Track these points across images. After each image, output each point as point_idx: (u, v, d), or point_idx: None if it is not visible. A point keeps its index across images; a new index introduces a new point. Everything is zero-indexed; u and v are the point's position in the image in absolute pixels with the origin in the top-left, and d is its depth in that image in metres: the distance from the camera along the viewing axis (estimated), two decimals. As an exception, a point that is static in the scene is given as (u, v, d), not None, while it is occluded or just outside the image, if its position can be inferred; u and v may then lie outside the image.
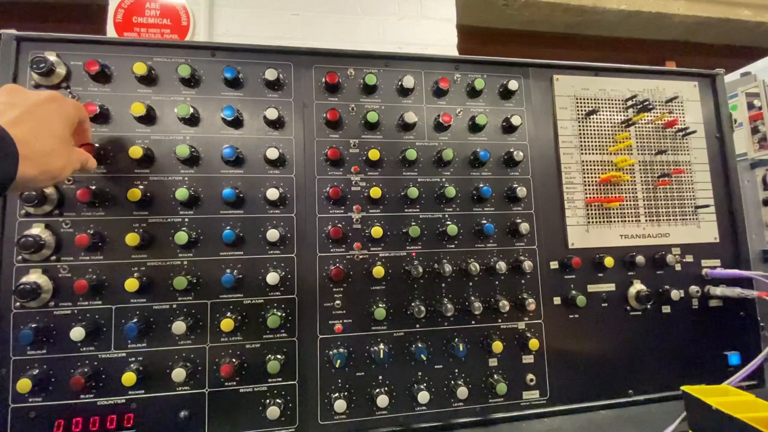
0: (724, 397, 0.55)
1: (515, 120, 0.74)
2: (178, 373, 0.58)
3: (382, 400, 0.63)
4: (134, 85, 0.65)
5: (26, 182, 0.44)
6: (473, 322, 0.70)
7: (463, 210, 0.72)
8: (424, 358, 0.65)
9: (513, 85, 0.75)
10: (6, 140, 0.41)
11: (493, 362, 0.70)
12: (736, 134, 0.86)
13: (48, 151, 0.47)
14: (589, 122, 0.80)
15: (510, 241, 0.73)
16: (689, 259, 0.79)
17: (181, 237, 0.61)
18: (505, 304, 0.68)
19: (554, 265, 0.74)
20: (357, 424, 0.64)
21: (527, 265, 0.70)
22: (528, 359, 0.71)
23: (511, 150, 0.74)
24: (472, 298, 0.70)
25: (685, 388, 0.58)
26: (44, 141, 0.46)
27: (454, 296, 0.70)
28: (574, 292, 0.74)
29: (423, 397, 0.64)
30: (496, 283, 0.72)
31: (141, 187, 0.62)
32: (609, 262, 0.74)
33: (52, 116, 0.48)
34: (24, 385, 0.55)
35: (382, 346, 0.65)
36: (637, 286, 0.76)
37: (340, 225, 0.68)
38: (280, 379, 0.64)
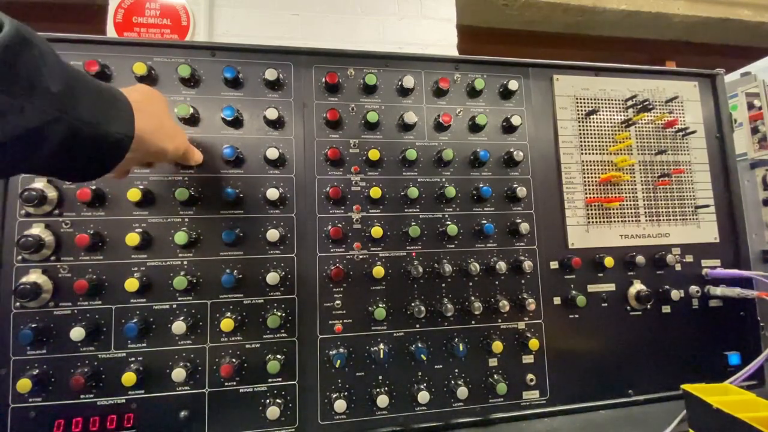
0: (725, 396, 0.55)
1: (515, 120, 0.74)
2: (178, 373, 0.58)
3: (382, 400, 0.63)
4: (134, 85, 0.65)
5: (144, 141, 0.46)
6: (473, 322, 0.70)
7: (463, 210, 0.72)
8: (424, 358, 0.65)
9: (513, 85, 0.75)
10: (122, 98, 0.44)
11: (493, 362, 0.70)
12: (736, 134, 0.86)
13: (160, 114, 0.51)
14: (589, 122, 0.80)
15: (510, 241, 0.73)
16: (689, 259, 0.79)
17: (181, 237, 0.61)
18: (505, 304, 0.68)
19: (554, 265, 0.74)
20: (357, 424, 0.64)
21: (527, 265, 0.70)
22: (528, 359, 0.71)
23: (511, 150, 0.74)
24: (472, 298, 0.70)
25: (685, 386, 0.58)
26: (156, 106, 0.50)
27: (454, 296, 0.70)
28: (574, 292, 0.73)
29: (423, 397, 0.64)
30: (496, 283, 0.72)
31: (141, 187, 0.62)
32: (609, 262, 0.74)
33: (161, 99, 0.53)
34: (24, 385, 0.55)
35: (382, 346, 0.65)
36: (637, 286, 0.76)
37: (340, 225, 0.68)
38: (280, 379, 0.64)
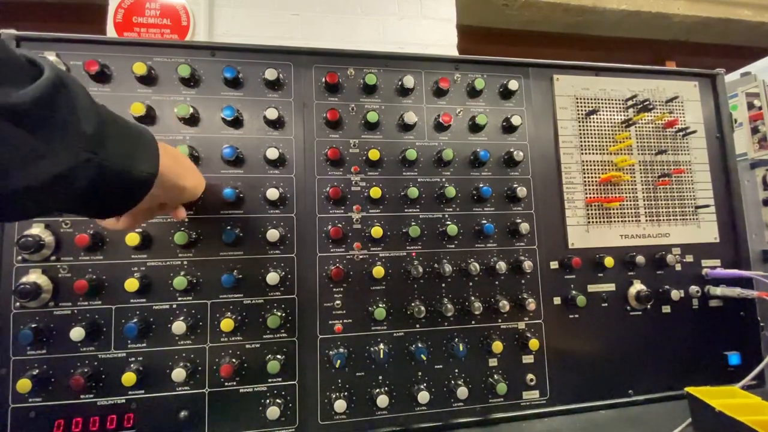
0: (730, 399, 0.54)
1: (515, 120, 0.74)
2: (178, 373, 0.58)
3: (382, 400, 0.63)
4: (134, 85, 0.65)
5: (165, 178, 0.46)
6: (473, 322, 0.70)
7: (463, 210, 0.72)
8: (424, 358, 0.65)
9: (513, 85, 0.75)
10: (147, 134, 0.45)
11: (493, 362, 0.70)
12: (736, 134, 0.86)
13: (182, 158, 0.53)
14: (589, 122, 0.80)
15: (510, 241, 0.73)
16: (689, 259, 0.79)
17: (181, 237, 0.61)
18: (505, 304, 0.68)
19: (554, 265, 0.74)
20: (357, 424, 0.64)
21: (527, 265, 0.70)
22: (528, 359, 0.71)
23: (511, 150, 0.74)
24: (472, 298, 0.70)
25: (689, 389, 0.57)
26: (177, 152, 0.53)
27: (454, 296, 0.70)
28: (574, 292, 0.73)
29: (423, 397, 0.64)
30: (496, 283, 0.72)
31: (141, 187, 0.62)
32: (609, 262, 0.74)
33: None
34: (24, 385, 0.55)
35: (382, 346, 0.65)
36: (637, 286, 0.76)
37: (340, 225, 0.68)
38: (280, 379, 0.63)
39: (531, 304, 0.70)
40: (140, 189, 0.43)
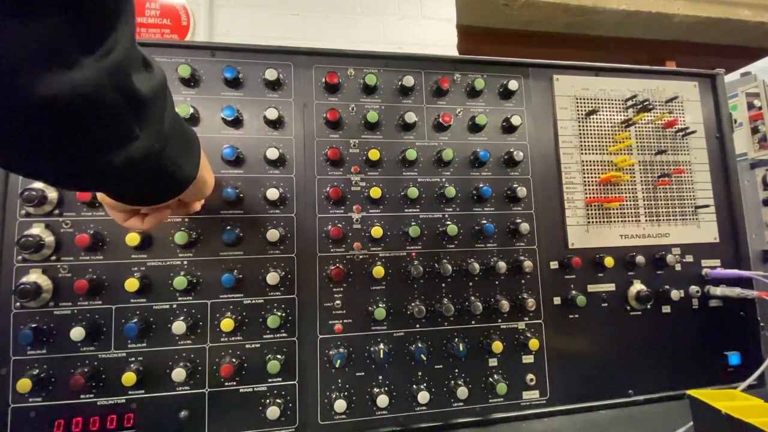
0: (732, 401, 0.54)
1: (515, 120, 0.74)
2: (178, 373, 0.58)
3: (382, 400, 0.63)
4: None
5: (199, 180, 0.49)
6: (473, 322, 0.70)
7: (463, 210, 0.72)
8: (424, 358, 0.65)
9: (513, 85, 0.75)
10: (196, 140, 0.48)
11: (493, 362, 0.70)
12: (736, 134, 0.86)
13: (205, 158, 0.53)
14: (589, 122, 0.80)
15: (510, 241, 0.73)
16: (689, 259, 0.79)
17: (181, 237, 0.61)
18: (505, 304, 0.68)
19: (554, 265, 0.74)
20: (357, 424, 0.64)
21: (527, 265, 0.70)
22: (528, 359, 0.71)
23: (511, 150, 0.74)
24: (472, 298, 0.70)
25: (691, 392, 0.57)
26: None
27: (454, 296, 0.70)
28: (574, 292, 0.73)
29: (423, 397, 0.64)
30: (496, 283, 0.72)
31: (141, 187, 0.62)
32: (609, 262, 0.74)
33: None
34: (24, 385, 0.55)
35: (382, 346, 0.65)
36: (637, 286, 0.76)
37: (340, 225, 0.68)
38: (280, 379, 0.63)
39: (531, 304, 0.70)
40: (177, 188, 0.46)
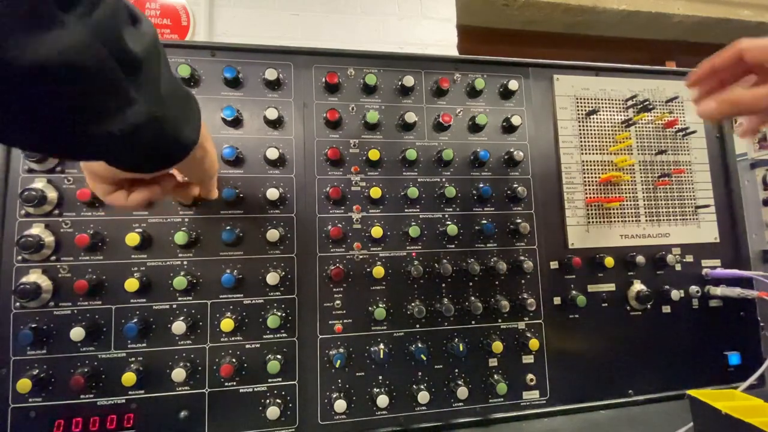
0: (732, 401, 0.53)
1: (515, 120, 0.74)
2: (178, 373, 0.58)
3: (382, 400, 0.63)
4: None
5: (197, 155, 0.46)
6: (473, 322, 0.70)
7: (463, 210, 0.72)
8: (424, 358, 0.65)
9: (513, 85, 0.75)
10: (195, 99, 0.44)
11: (493, 362, 0.70)
12: (735, 134, 0.86)
13: (209, 137, 0.51)
14: (589, 122, 0.80)
15: (510, 241, 0.73)
16: (689, 259, 0.79)
17: (181, 237, 0.61)
18: (505, 304, 0.68)
19: (554, 265, 0.74)
20: (357, 424, 0.64)
21: (527, 265, 0.70)
22: (528, 359, 0.71)
23: (511, 150, 0.74)
24: (472, 298, 0.70)
25: (691, 392, 0.57)
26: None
27: (454, 296, 0.70)
28: (574, 292, 0.73)
29: (423, 397, 0.64)
30: (496, 283, 0.72)
31: (141, 187, 0.62)
32: (609, 262, 0.74)
33: None
34: (24, 385, 0.55)
35: (382, 346, 0.65)
36: (637, 286, 0.75)
37: (340, 225, 0.68)
38: (280, 379, 0.63)
39: (531, 304, 0.70)
40: (179, 153, 0.42)
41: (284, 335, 0.65)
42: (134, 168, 0.42)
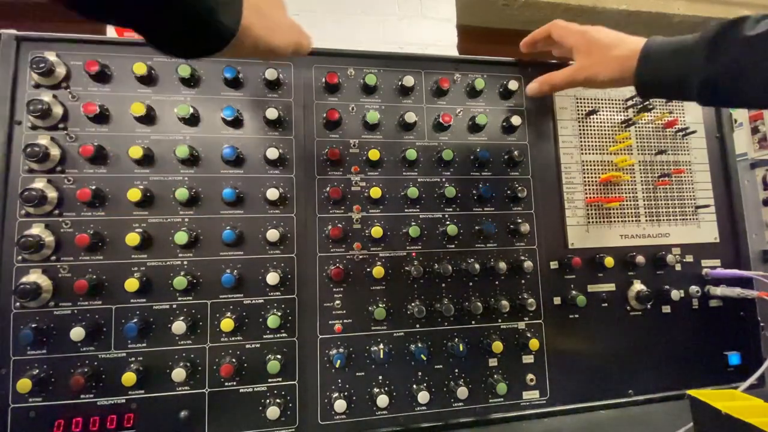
0: (732, 401, 0.53)
1: (515, 120, 0.74)
2: (178, 373, 0.58)
3: (382, 400, 0.63)
4: (134, 85, 0.65)
5: (250, 37, 0.44)
6: (473, 322, 0.70)
7: (463, 210, 0.72)
8: (424, 358, 0.65)
9: (513, 85, 0.75)
10: None
11: (493, 362, 0.70)
12: (736, 134, 0.86)
13: (273, 12, 0.49)
14: (589, 122, 0.80)
15: (510, 241, 0.73)
16: (689, 259, 0.79)
17: (181, 237, 0.61)
18: (505, 304, 0.68)
19: (554, 265, 0.74)
20: (357, 424, 0.64)
21: (527, 265, 0.70)
22: (528, 359, 0.71)
23: (511, 150, 0.74)
24: (472, 298, 0.70)
25: (691, 392, 0.57)
26: (268, 5, 0.48)
27: (454, 296, 0.70)
28: (574, 292, 0.73)
29: (423, 397, 0.64)
30: (496, 283, 0.72)
31: (141, 187, 0.62)
32: (609, 262, 0.74)
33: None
34: (24, 385, 0.55)
35: (381, 346, 0.65)
36: (637, 286, 0.76)
37: (340, 225, 0.68)
38: (280, 379, 0.64)
39: (531, 304, 0.70)
40: (218, 41, 0.42)
41: (284, 335, 0.65)
42: (167, 46, 0.41)
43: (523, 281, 0.73)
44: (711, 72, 0.54)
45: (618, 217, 0.78)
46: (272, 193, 0.64)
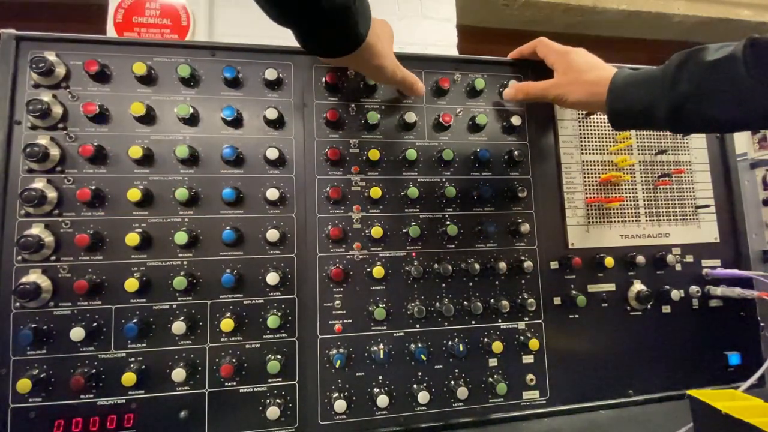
0: (732, 401, 0.53)
1: (515, 120, 0.74)
2: (178, 373, 0.58)
3: (382, 400, 0.63)
4: (134, 85, 0.65)
5: (369, 51, 0.57)
6: (473, 322, 0.70)
7: (463, 210, 0.72)
8: (424, 358, 0.65)
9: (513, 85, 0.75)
10: (369, 8, 0.55)
11: (493, 362, 0.70)
12: (736, 134, 0.86)
13: (387, 42, 0.63)
14: (590, 122, 0.80)
15: (510, 241, 0.73)
16: (689, 259, 0.79)
17: (181, 237, 0.61)
18: (505, 304, 0.68)
19: (554, 265, 0.74)
20: (357, 424, 0.64)
21: (527, 265, 0.70)
22: (528, 359, 0.71)
23: (511, 150, 0.74)
24: (472, 298, 0.70)
25: (691, 392, 0.57)
26: (386, 34, 0.65)
27: (454, 296, 0.70)
28: (574, 292, 0.73)
29: (423, 397, 0.64)
30: (496, 283, 0.72)
31: (141, 187, 0.62)
32: (609, 262, 0.74)
33: (390, 32, 0.67)
34: (24, 385, 0.55)
35: (381, 346, 0.65)
36: (638, 286, 0.76)
37: (340, 225, 0.68)
38: (280, 379, 0.64)
39: (531, 304, 0.70)
40: (353, 44, 0.54)
41: (284, 335, 0.65)
42: (316, 47, 0.56)
43: (523, 281, 0.73)
44: (677, 97, 0.56)
45: (618, 217, 0.78)
46: (272, 193, 0.64)
